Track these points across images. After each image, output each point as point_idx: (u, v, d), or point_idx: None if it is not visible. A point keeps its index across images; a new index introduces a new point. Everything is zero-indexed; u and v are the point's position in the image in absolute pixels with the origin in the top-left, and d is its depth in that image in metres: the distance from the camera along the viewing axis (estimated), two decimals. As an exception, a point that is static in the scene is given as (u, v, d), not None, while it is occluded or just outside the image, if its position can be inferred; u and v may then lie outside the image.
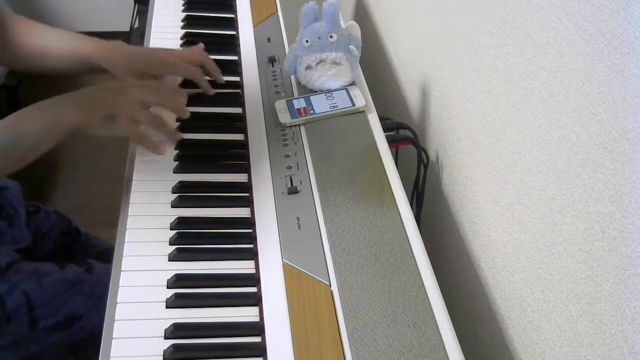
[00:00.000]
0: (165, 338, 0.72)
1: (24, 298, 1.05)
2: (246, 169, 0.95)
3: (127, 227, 0.84)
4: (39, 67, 1.06)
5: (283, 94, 1.06)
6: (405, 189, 0.90)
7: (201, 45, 1.12)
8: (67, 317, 1.08)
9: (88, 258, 1.20)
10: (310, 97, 1.04)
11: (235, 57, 1.18)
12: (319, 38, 1.02)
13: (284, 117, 1.00)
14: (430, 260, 0.81)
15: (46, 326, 1.06)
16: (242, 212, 0.89)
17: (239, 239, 0.85)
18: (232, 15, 1.30)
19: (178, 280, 0.78)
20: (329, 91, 1.05)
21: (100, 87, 0.95)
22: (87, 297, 1.10)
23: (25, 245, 1.14)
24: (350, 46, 1.04)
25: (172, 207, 0.88)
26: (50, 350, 1.09)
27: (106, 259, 0.98)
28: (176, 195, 0.90)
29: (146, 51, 1.12)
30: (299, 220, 0.85)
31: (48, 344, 1.08)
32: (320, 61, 1.03)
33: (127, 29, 2.27)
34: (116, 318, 0.74)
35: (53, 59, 1.04)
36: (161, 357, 0.70)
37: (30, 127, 0.85)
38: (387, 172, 0.92)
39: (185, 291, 0.77)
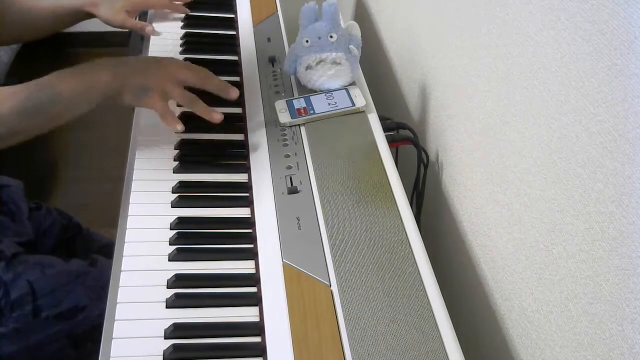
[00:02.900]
0: (165, 338, 0.72)
1: (28, 287, 1.06)
2: (246, 169, 0.95)
3: (127, 227, 0.84)
4: (32, 30, 1.15)
5: (283, 94, 1.06)
6: (405, 189, 0.90)
7: None
8: (70, 308, 1.09)
9: (91, 253, 1.22)
10: (310, 97, 1.04)
11: (235, 57, 1.18)
12: (319, 38, 1.02)
13: (284, 117, 1.00)
14: (430, 260, 0.81)
15: (49, 316, 1.07)
16: (242, 212, 0.89)
17: (239, 239, 0.85)
18: (232, 15, 1.30)
19: (178, 280, 0.78)
20: (329, 91, 1.05)
21: (142, 58, 1.00)
22: (90, 289, 1.11)
23: (27, 239, 1.16)
24: (350, 46, 1.03)
25: (172, 207, 0.88)
26: (51, 341, 1.09)
27: (108, 254, 0.99)
28: (176, 195, 0.90)
29: None
30: (299, 220, 0.85)
31: (50, 334, 1.08)
32: (320, 61, 1.03)
33: (127, 29, 2.27)
34: (116, 318, 0.74)
35: (45, 18, 1.13)
36: (161, 357, 0.70)
37: (67, 87, 0.87)
38: (387, 172, 0.92)
39: (185, 291, 0.77)
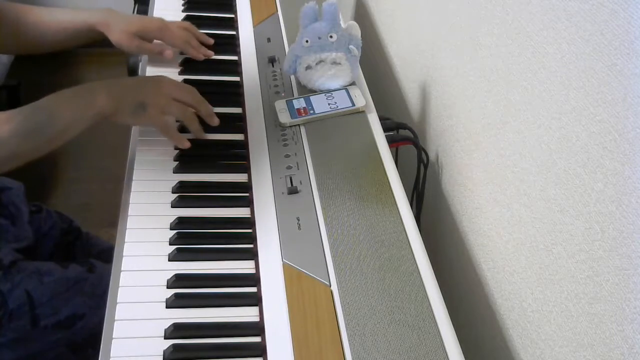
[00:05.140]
0: (165, 338, 0.72)
1: (26, 297, 1.05)
2: (246, 169, 0.95)
3: (127, 227, 0.84)
4: (43, 44, 1.12)
5: (283, 94, 1.06)
6: (405, 189, 0.90)
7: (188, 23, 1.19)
8: (68, 316, 1.09)
9: (89, 257, 1.21)
10: (310, 97, 1.04)
11: (235, 57, 1.18)
12: (319, 38, 1.02)
13: (284, 117, 1.00)
14: (430, 260, 0.81)
15: (47, 325, 1.07)
16: (242, 212, 0.89)
17: (239, 239, 0.85)
18: (232, 15, 1.30)
19: (178, 280, 0.78)
20: (329, 91, 1.05)
21: (135, 77, 0.99)
22: (89, 296, 1.11)
23: (27, 244, 1.15)
24: (350, 46, 1.04)
25: (172, 207, 0.88)
26: (50, 349, 1.09)
27: (107, 259, 0.99)
28: (176, 195, 0.90)
29: (140, 17, 1.17)
30: (299, 220, 0.85)
31: (49, 342, 1.08)
32: (320, 61, 1.03)
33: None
34: (116, 318, 0.74)
35: (57, 33, 1.11)
36: (161, 357, 0.70)
37: (64, 108, 0.88)
38: (387, 172, 0.92)
39: (185, 291, 0.77)
